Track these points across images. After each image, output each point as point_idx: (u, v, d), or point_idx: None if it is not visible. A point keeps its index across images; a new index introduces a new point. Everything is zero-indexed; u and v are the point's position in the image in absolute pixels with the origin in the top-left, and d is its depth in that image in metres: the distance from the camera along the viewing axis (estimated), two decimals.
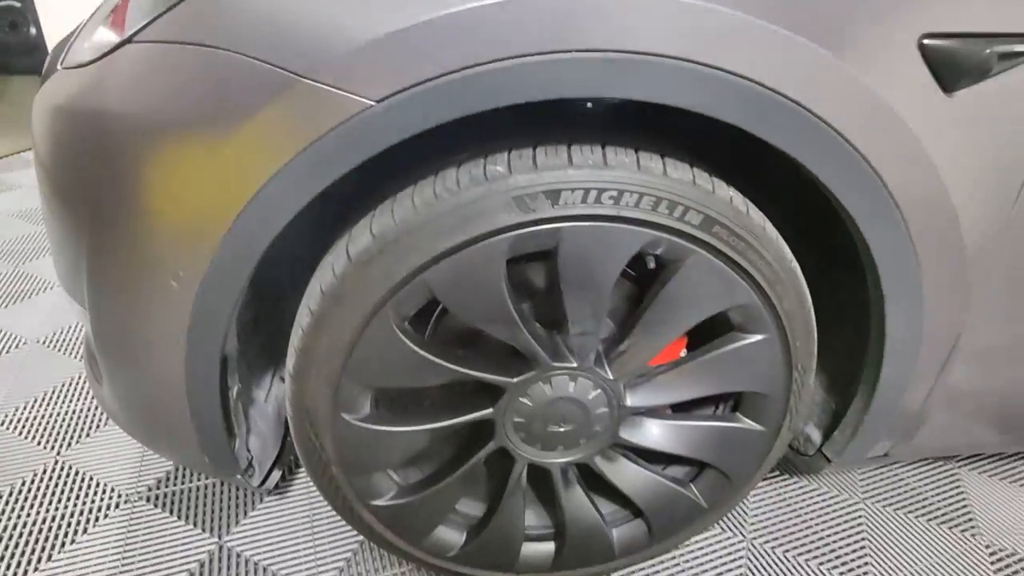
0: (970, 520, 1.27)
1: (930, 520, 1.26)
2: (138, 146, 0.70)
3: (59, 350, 1.61)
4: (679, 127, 0.83)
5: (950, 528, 1.25)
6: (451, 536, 0.99)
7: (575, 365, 0.83)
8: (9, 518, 1.15)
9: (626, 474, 0.96)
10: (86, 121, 0.73)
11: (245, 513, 1.18)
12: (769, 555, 1.16)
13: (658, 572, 1.12)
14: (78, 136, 0.74)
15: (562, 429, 0.88)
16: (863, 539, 1.21)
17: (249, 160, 0.67)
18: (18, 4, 4.15)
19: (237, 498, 1.21)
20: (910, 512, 1.28)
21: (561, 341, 0.83)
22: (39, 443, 1.31)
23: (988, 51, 0.67)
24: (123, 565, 1.08)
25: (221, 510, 1.19)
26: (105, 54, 0.72)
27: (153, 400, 0.88)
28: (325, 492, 0.92)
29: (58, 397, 1.45)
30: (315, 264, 0.83)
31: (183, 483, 1.24)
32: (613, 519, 1.03)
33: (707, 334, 0.88)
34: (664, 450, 0.93)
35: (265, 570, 1.08)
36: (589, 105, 0.92)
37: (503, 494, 0.93)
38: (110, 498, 1.20)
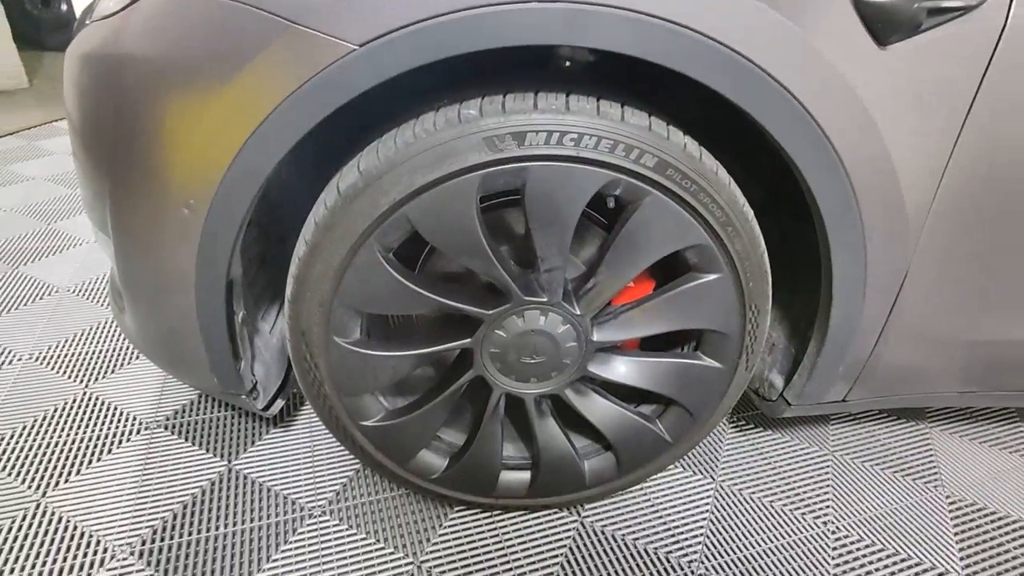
0: (935, 473, 1.33)
1: (895, 472, 1.32)
2: (154, 87, 0.79)
3: (88, 298, 1.74)
4: (665, 90, 0.90)
5: (914, 480, 1.31)
6: (435, 460, 1.09)
7: (545, 300, 0.91)
8: (43, 437, 1.27)
9: (596, 408, 1.05)
10: (109, 66, 0.82)
11: (253, 442, 1.29)
12: (735, 495, 1.24)
13: (629, 506, 1.20)
14: (102, 80, 0.84)
15: (534, 361, 0.97)
16: (827, 485, 1.28)
17: (249, 100, 0.76)
18: None
19: (246, 429, 1.32)
20: (877, 464, 1.34)
21: (534, 279, 0.91)
22: (69, 376, 1.44)
23: (917, 5, 0.73)
24: (143, 481, 1.19)
25: (231, 438, 1.30)
26: (127, 5, 0.82)
27: (170, 325, 0.98)
28: (320, 412, 1.01)
29: (87, 338, 1.57)
30: None
31: (198, 414, 1.35)
32: (585, 452, 1.12)
33: (672, 278, 0.96)
34: (630, 384, 1.01)
35: (269, 489, 1.19)
36: (568, 64, 0.99)
37: (482, 422, 1.03)
38: (132, 425, 1.32)
